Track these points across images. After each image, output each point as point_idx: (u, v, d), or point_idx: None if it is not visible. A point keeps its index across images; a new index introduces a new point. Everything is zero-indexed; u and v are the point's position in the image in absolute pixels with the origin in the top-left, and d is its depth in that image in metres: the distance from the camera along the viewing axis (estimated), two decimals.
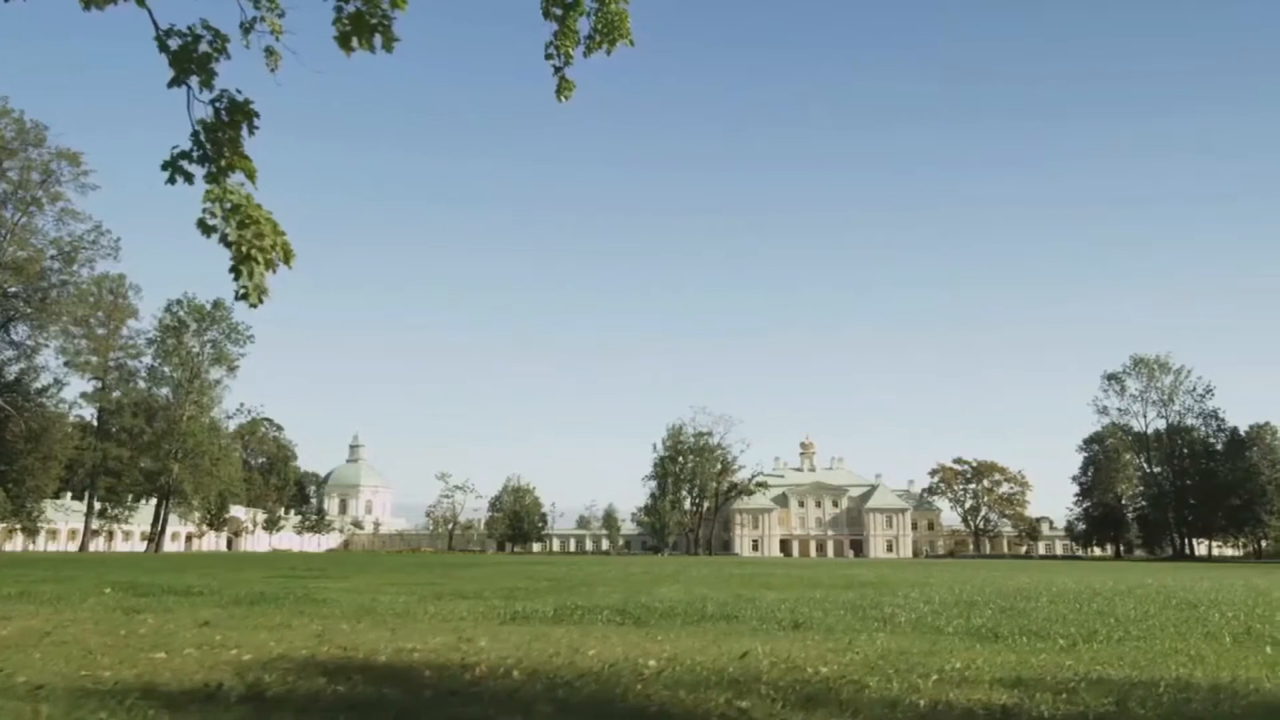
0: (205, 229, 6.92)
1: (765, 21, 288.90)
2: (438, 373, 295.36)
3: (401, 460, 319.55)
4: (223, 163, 7.24)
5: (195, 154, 7.24)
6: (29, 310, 71.90)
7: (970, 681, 6.62)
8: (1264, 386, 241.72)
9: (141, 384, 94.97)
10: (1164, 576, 36.67)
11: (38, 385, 76.83)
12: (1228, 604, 17.51)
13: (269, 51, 8.55)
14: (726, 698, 5.65)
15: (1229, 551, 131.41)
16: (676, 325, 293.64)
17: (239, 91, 7.55)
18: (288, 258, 7.27)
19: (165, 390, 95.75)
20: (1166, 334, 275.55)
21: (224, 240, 6.80)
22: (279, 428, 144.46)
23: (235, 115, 7.39)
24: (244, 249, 6.90)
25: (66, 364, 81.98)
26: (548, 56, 8.31)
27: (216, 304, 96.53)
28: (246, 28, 8.16)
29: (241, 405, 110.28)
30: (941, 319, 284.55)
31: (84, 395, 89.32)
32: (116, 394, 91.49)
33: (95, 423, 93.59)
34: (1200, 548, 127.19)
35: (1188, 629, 12.17)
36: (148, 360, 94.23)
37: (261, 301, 7.01)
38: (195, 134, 7.27)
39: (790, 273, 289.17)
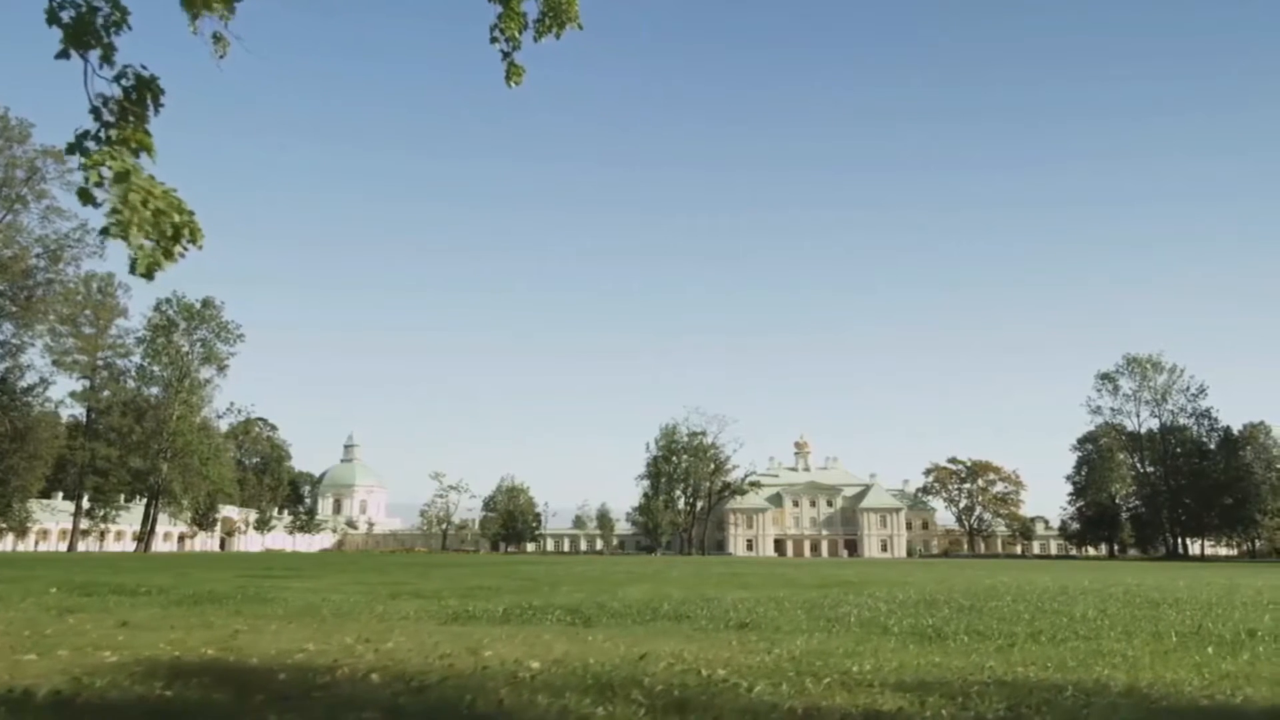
0: (86, 197, 6.68)
1: (766, 21, 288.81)
2: (433, 372, 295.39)
3: (397, 460, 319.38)
4: (122, 136, 6.97)
5: (100, 133, 6.99)
6: (14, 309, 71.48)
7: (867, 684, 6.35)
8: (1257, 386, 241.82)
9: (131, 383, 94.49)
10: (1145, 576, 36.46)
11: (23, 384, 76.43)
12: (1192, 603, 17.26)
13: (216, 37, 8.30)
14: (590, 702, 5.39)
15: (1223, 551, 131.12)
16: (673, 325, 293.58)
17: (144, 67, 7.26)
18: (195, 237, 7.03)
19: (155, 389, 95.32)
20: (1160, 334, 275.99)
21: (108, 209, 6.56)
22: (273, 427, 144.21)
23: (141, 91, 7.12)
24: (128, 217, 6.66)
25: (54, 363, 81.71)
26: (493, 40, 8.11)
27: (206, 303, 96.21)
28: (194, 13, 7.92)
29: (232, 404, 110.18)
30: (937, 319, 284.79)
31: (72, 394, 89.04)
32: (106, 393, 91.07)
33: (85, 422, 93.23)
34: (1194, 547, 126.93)
35: (1137, 628, 11.91)
36: (137, 359, 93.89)
37: (152, 275, 6.77)
38: (95, 110, 6.99)
39: (786, 273, 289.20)
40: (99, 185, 6.69)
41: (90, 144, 6.87)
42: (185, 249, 7.15)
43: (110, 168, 6.66)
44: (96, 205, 6.75)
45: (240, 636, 9.36)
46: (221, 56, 8.53)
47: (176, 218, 7.01)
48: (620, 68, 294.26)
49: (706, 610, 15.55)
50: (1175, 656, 8.94)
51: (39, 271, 71.70)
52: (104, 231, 6.52)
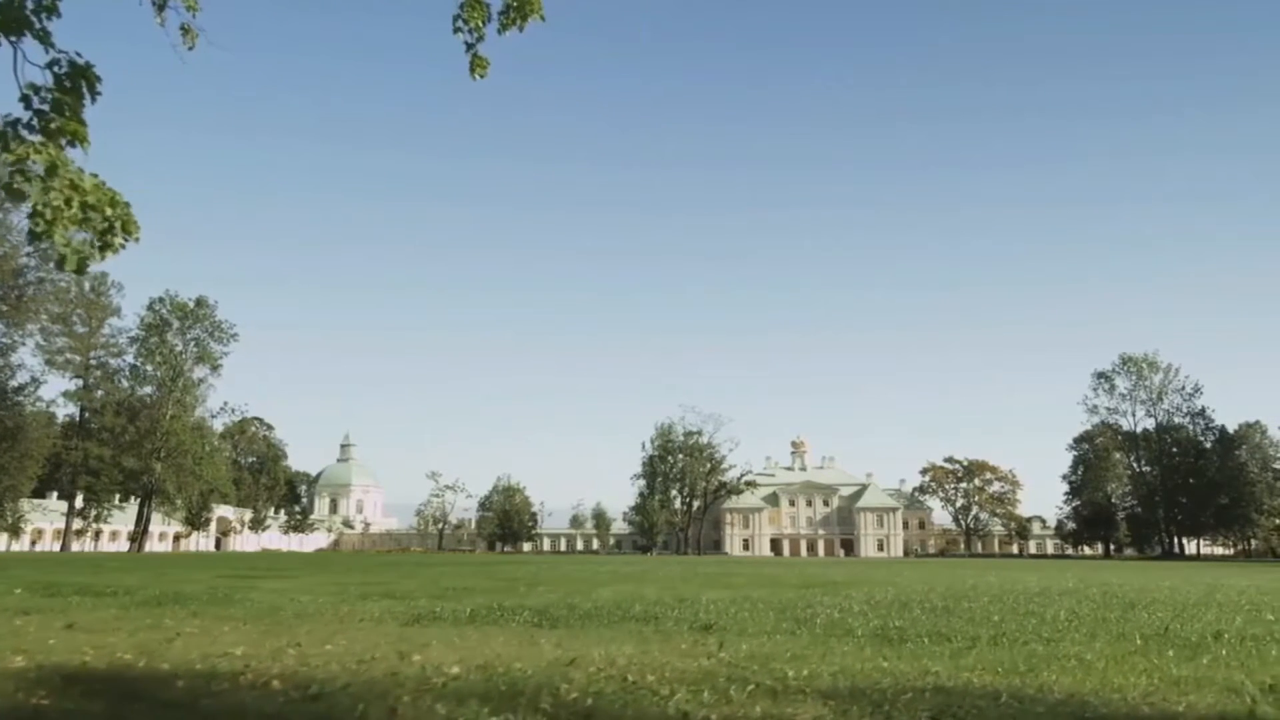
0: (11, 192, 6.49)
1: (765, 21, 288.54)
2: (431, 372, 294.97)
3: (394, 460, 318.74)
4: (54, 127, 6.77)
5: (33, 122, 6.78)
6: (4, 308, 71.32)
7: (796, 691, 6.15)
8: (1252, 386, 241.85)
9: (124, 383, 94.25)
10: (1133, 576, 36.31)
11: (14, 384, 76.19)
12: (1169, 604, 17.08)
13: (185, 29, 8.11)
14: (488, 711, 5.19)
15: (1219, 550, 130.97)
16: (671, 324, 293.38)
17: (79, 55, 7.06)
18: (130, 230, 6.84)
19: (148, 389, 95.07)
20: (1156, 333, 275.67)
21: (34, 201, 6.36)
22: (269, 427, 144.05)
23: (75, 79, 6.91)
24: (53, 215, 6.46)
25: (46, 362, 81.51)
26: (456, 30, 7.98)
27: (200, 302, 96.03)
28: (160, 4, 7.74)
29: (225, 404, 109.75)
30: (934, 319, 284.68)
31: (65, 394, 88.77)
32: (100, 393, 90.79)
33: (78, 421, 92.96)
34: (1190, 547, 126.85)
35: (1104, 630, 11.73)
36: (130, 359, 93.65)
37: (83, 270, 6.59)
38: (26, 98, 6.77)
39: (783, 273, 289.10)
40: (26, 181, 6.50)
41: (24, 133, 6.68)
42: (123, 243, 6.97)
43: (36, 161, 6.47)
44: (23, 200, 6.57)
45: (178, 640, 9.16)
46: (190, 49, 8.35)
47: (109, 211, 6.82)
48: (619, 67, 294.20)
49: (676, 611, 15.37)
50: (1132, 660, 8.75)
51: (29, 270, 71.54)
52: (32, 234, 6.33)
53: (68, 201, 6.47)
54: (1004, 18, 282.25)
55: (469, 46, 7.91)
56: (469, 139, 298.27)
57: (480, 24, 7.89)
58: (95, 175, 6.79)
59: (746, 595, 20.36)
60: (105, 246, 6.89)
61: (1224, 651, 9.63)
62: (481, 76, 8.28)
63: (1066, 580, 29.27)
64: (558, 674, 6.65)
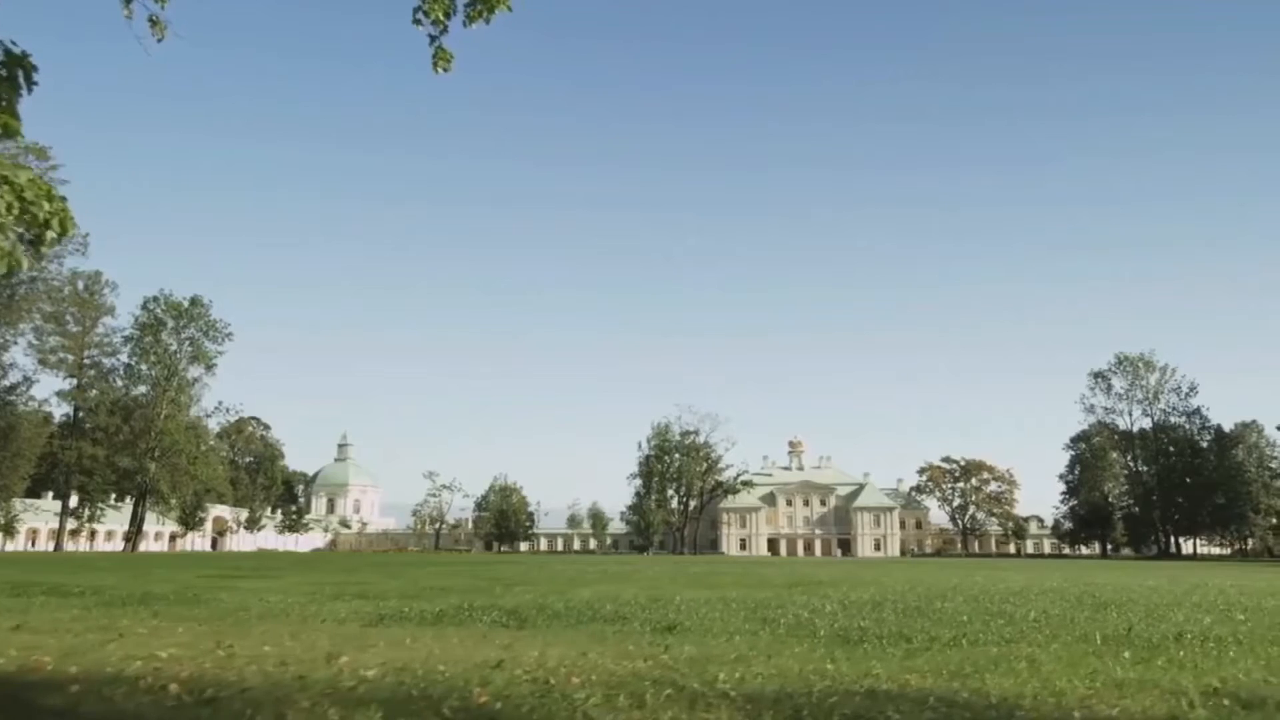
0: None
1: (766, 21, 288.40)
2: (429, 372, 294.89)
3: (392, 460, 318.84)
4: None
5: None
6: None
7: (718, 696, 6.00)
8: (1248, 385, 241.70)
9: (118, 382, 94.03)
10: (1120, 575, 36.22)
11: (6, 383, 76.05)
12: (1142, 604, 16.97)
13: (153, 21, 8.02)
14: (380, 716, 5.08)
15: (1216, 550, 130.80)
16: (668, 324, 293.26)
17: (14, 43, 6.93)
18: (66, 227, 6.74)
19: (143, 388, 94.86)
20: (1152, 333, 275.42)
21: None
22: (266, 426, 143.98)
23: (11, 69, 6.80)
24: None
25: (39, 362, 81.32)
26: (416, 22, 7.89)
27: (194, 301, 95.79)
28: None
29: (220, 403, 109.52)
30: (931, 318, 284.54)
31: (59, 394, 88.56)
32: (94, 392, 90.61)
33: (72, 421, 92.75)
34: (1186, 546, 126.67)
35: (1067, 631, 11.61)
36: (124, 358, 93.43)
37: (13, 270, 6.48)
38: None
39: (780, 272, 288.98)
40: None
41: None
42: (56, 238, 6.84)
43: None
44: None
45: (114, 643, 9.04)
46: (159, 40, 8.24)
47: (47, 206, 6.71)
48: (619, 67, 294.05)
49: (647, 612, 15.27)
50: (1085, 662, 8.63)
51: (21, 269, 71.16)
52: None
53: (8, 206, 6.36)
54: (1003, 18, 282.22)
55: (432, 39, 7.84)
56: (468, 139, 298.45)
57: (441, 16, 7.80)
58: (29, 169, 6.69)
59: (724, 595, 20.26)
60: (38, 241, 6.78)
61: (1181, 653, 9.53)
62: (445, 70, 8.20)
63: (1051, 580, 29.17)
64: (478, 677, 6.53)
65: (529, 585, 24.13)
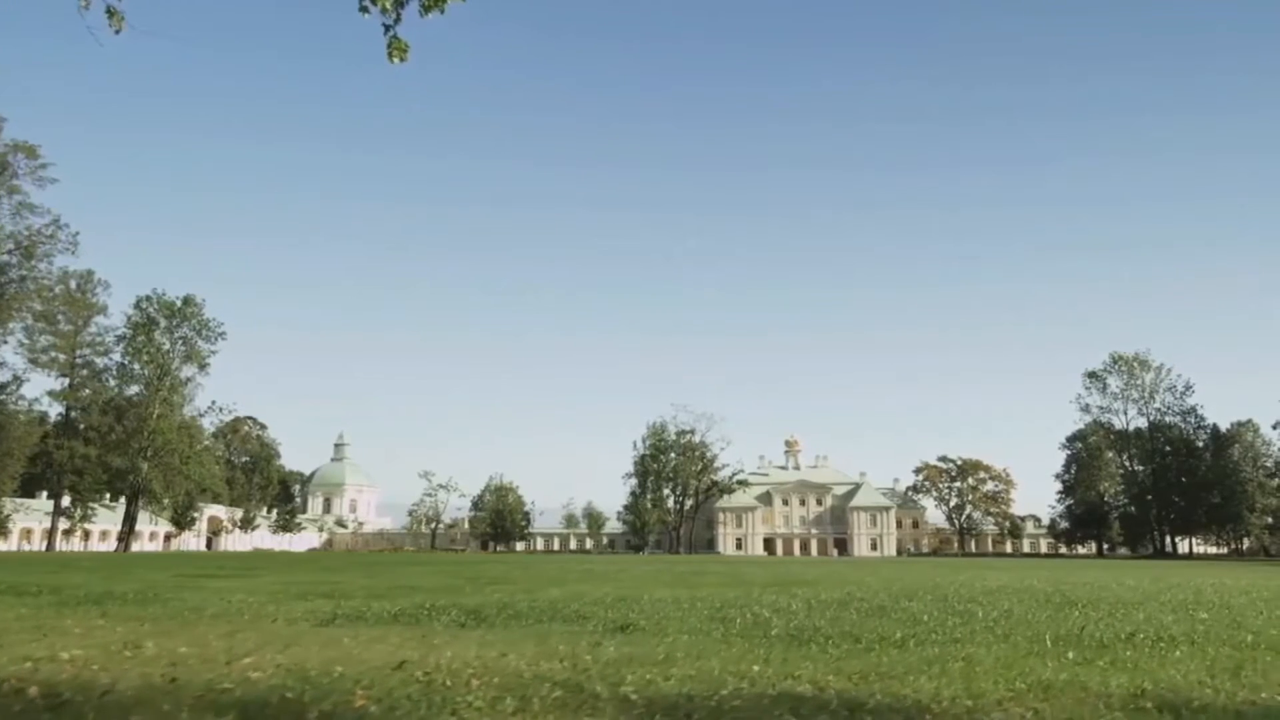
0: None
1: (766, 21, 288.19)
2: (425, 371, 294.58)
3: (388, 459, 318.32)
4: None
5: None
6: None
7: (610, 699, 5.84)
8: (1244, 385, 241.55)
9: (111, 382, 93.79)
10: (1104, 574, 36.08)
11: None
12: (1108, 602, 16.82)
13: (110, 12, 7.87)
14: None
15: (1212, 549, 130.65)
16: (664, 324, 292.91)
17: None
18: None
19: (135, 388, 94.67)
20: (1148, 332, 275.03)
21: None
22: (262, 426, 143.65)
23: None
24: None
25: (31, 361, 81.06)
26: (363, 9, 7.70)
27: (187, 300, 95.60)
28: None
29: (214, 403, 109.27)
30: (928, 318, 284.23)
31: (51, 393, 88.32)
32: (86, 392, 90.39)
33: (64, 420, 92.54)
34: (1182, 545, 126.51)
35: (1021, 631, 11.45)
36: (117, 357, 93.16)
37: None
38: None
39: (777, 272, 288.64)
40: None
41: None
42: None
43: None
44: None
45: (34, 643, 8.89)
46: (117, 32, 8.08)
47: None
48: (619, 67, 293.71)
49: (609, 611, 15.16)
50: (1024, 663, 8.48)
51: (11, 268, 71.08)
52: None
53: None
54: (1003, 18, 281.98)
55: (386, 29, 7.68)
56: (468, 138, 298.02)
57: (389, 4, 7.65)
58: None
59: (695, 595, 20.14)
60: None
61: (1128, 653, 9.38)
62: (401, 60, 8.02)
63: (1032, 579, 29.02)
64: (370, 678, 6.38)
65: (504, 584, 24.01)
